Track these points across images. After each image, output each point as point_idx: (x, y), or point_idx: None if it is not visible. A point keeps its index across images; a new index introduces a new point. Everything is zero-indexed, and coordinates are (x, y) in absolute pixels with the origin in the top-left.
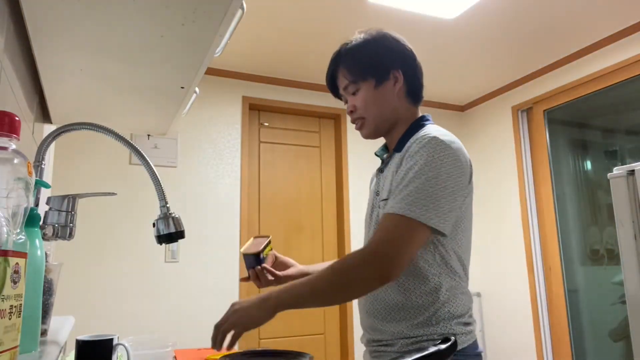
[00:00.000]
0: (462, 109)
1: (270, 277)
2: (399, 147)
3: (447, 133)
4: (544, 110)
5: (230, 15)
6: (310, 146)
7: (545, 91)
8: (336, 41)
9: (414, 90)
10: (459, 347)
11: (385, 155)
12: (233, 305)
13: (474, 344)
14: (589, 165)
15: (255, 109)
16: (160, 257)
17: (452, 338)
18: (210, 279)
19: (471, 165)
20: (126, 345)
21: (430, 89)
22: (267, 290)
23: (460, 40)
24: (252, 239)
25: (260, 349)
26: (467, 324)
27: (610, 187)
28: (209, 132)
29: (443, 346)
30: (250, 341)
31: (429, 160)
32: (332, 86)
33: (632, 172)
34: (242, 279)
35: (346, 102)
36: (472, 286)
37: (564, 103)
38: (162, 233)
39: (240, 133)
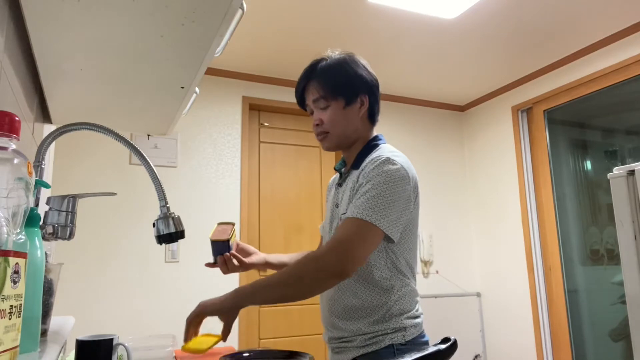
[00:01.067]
0: (462, 109)
1: (236, 263)
2: (356, 164)
3: (398, 153)
4: (544, 110)
5: (230, 15)
6: (310, 146)
7: (545, 91)
8: (336, 41)
9: (373, 114)
10: (410, 338)
11: (343, 170)
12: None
13: (421, 334)
14: (589, 165)
15: (255, 109)
16: (160, 257)
17: (452, 338)
18: (210, 279)
19: (416, 180)
20: (126, 345)
21: (430, 89)
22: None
23: (460, 40)
24: (216, 224)
25: (260, 349)
26: (415, 317)
27: (610, 187)
28: (209, 132)
29: (443, 346)
30: (250, 341)
31: (381, 178)
32: (301, 96)
33: (632, 172)
34: (208, 264)
35: (311, 113)
36: (472, 286)
37: (564, 103)
38: (162, 233)
39: (240, 133)
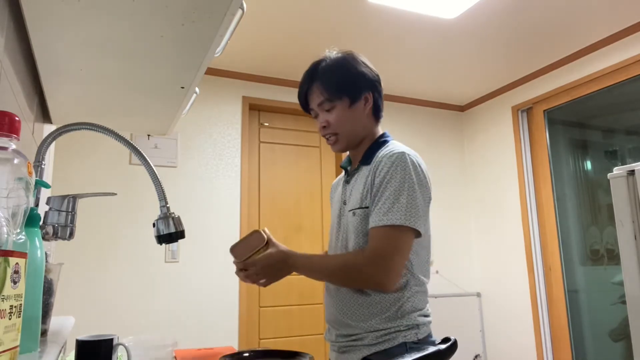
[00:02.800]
0: (462, 109)
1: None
2: (366, 160)
3: (410, 149)
4: (544, 110)
5: (230, 15)
6: (310, 146)
7: (545, 91)
8: (336, 41)
9: (378, 110)
10: (422, 336)
11: (349, 167)
12: (256, 257)
13: (430, 334)
14: (589, 165)
15: (255, 109)
16: (160, 257)
17: (452, 338)
18: (210, 279)
19: (429, 176)
20: (126, 345)
21: (430, 89)
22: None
23: (460, 40)
24: (252, 231)
25: (260, 349)
26: (426, 315)
27: (610, 187)
28: (209, 132)
29: (443, 346)
30: (250, 341)
31: (402, 174)
32: (305, 101)
33: (632, 172)
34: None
35: (316, 116)
36: (472, 286)
37: (564, 103)
38: (162, 233)
39: (240, 133)
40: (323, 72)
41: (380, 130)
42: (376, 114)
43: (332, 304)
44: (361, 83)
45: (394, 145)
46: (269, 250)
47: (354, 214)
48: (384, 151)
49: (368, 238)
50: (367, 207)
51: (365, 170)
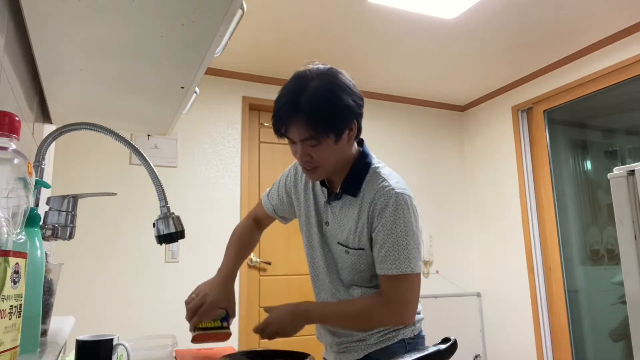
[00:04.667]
0: (462, 109)
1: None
2: (350, 189)
3: (395, 176)
4: (544, 110)
5: (230, 15)
6: None
7: (545, 91)
8: (336, 41)
9: (359, 133)
10: (416, 332)
11: (326, 187)
12: (270, 315)
13: (421, 329)
14: (589, 165)
15: (255, 109)
16: (160, 257)
17: (452, 338)
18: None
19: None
20: (126, 345)
21: (430, 89)
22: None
23: (460, 40)
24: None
25: (260, 349)
26: (419, 312)
27: (610, 187)
28: (209, 132)
29: (443, 346)
30: (250, 341)
31: (404, 220)
32: (283, 128)
33: (632, 172)
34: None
35: (292, 143)
36: (472, 286)
37: (564, 103)
38: (162, 233)
39: (240, 133)
40: (308, 105)
41: (355, 145)
42: (357, 137)
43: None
44: (348, 117)
45: (381, 173)
46: (283, 307)
47: (347, 252)
48: (375, 185)
49: (379, 283)
50: (362, 249)
51: (353, 203)
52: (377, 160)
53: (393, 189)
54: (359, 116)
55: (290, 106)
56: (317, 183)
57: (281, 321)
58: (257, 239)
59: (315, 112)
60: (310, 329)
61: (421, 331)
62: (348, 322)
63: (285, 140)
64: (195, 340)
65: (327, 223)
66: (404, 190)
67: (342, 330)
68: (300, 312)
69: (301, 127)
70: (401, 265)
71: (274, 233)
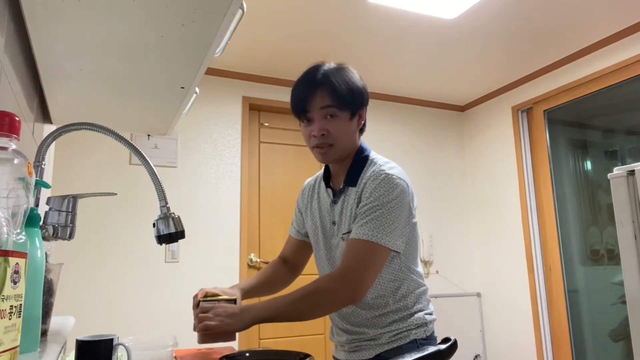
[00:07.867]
0: (462, 109)
1: None
2: (352, 180)
3: (392, 164)
4: (544, 110)
5: (230, 15)
6: None
7: (545, 91)
8: (337, 41)
9: (364, 126)
10: (429, 333)
11: (332, 184)
12: (216, 306)
13: (434, 331)
14: (589, 165)
15: (255, 109)
16: (160, 257)
17: (452, 338)
18: (210, 279)
19: (412, 188)
20: (126, 345)
21: (430, 89)
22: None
23: (460, 40)
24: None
25: (260, 349)
26: (431, 314)
27: (610, 187)
28: (209, 132)
29: (443, 346)
30: (250, 341)
31: (384, 197)
32: (302, 103)
33: (632, 172)
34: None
35: (308, 122)
36: (472, 286)
37: (564, 103)
38: (162, 233)
39: (240, 133)
40: (332, 76)
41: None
42: (362, 129)
43: (340, 319)
44: (363, 98)
45: (377, 162)
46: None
47: (343, 239)
48: (368, 172)
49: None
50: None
51: (352, 193)
52: (374, 153)
53: (384, 170)
54: (366, 105)
55: (311, 78)
56: (322, 189)
57: (226, 310)
58: (281, 274)
59: (335, 83)
60: (312, 328)
61: (434, 332)
62: (293, 304)
63: (285, 140)
64: (202, 339)
65: (334, 223)
66: (394, 172)
67: (354, 328)
68: (247, 305)
69: (321, 96)
70: (368, 232)
71: (274, 233)
